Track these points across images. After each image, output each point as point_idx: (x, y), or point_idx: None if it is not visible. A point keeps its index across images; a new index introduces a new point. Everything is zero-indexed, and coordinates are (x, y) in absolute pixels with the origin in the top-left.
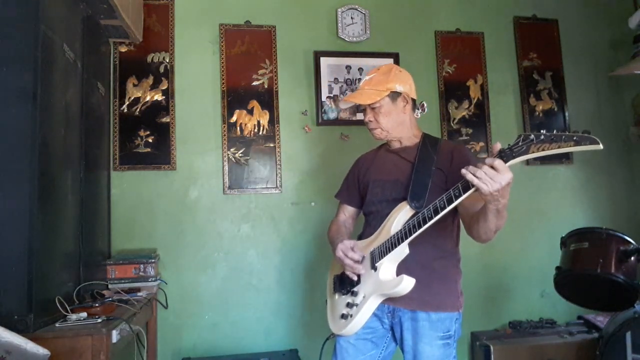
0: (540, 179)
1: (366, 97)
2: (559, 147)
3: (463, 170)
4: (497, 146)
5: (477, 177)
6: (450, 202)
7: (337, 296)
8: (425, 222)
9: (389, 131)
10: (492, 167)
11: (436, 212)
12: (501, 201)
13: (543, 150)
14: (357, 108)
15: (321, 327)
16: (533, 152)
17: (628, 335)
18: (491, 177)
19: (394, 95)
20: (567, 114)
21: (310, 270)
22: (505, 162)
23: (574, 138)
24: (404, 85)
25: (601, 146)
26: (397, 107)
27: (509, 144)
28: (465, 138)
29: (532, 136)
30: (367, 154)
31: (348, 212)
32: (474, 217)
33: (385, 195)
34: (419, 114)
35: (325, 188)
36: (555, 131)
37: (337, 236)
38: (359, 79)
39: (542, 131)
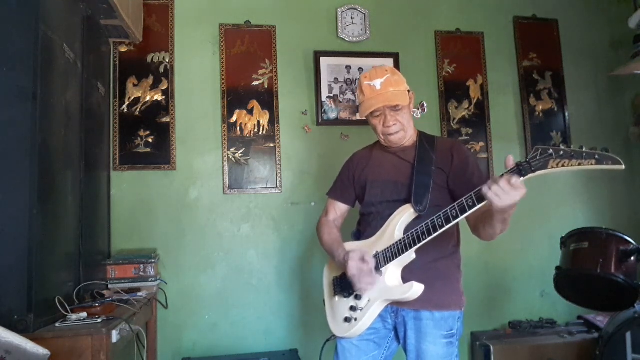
0: (540, 178)
1: (401, 98)
2: (579, 165)
3: (484, 189)
4: (510, 159)
5: (493, 192)
6: (463, 211)
7: (337, 298)
8: (435, 230)
9: (407, 132)
10: (508, 183)
11: (448, 221)
12: (509, 212)
13: (563, 166)
14: (357, 108)
15: (321, 327)
16: (552, 168)
17: (628, 335)
18: (507, 193)
19: (407, 94)
20: (567, 114)
21: (310, 270)
22: (524, 175)
23: (595, 156)
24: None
25: (623, 167)
26: (410, 107)
27: (526, 158)
28: (465, 138)
29: (551, 150)
30: (362, 152)
31: (340, 210)
32: (480, 219)
33: (385, 196)
34: (419, 114)
35: (326, 188)
36: (572, 146)
37: (334, 245)
38: (358, 80)
39: (561, 146)
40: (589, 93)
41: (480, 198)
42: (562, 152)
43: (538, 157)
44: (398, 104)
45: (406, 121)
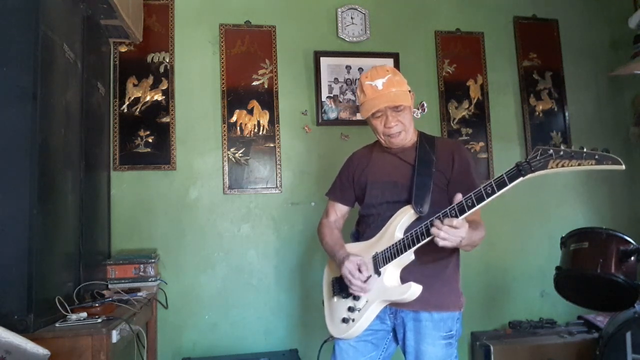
0: (540, 178)
1: (403, 99)
2: (579, 165)
3: (433, 230)
4: (458, 197)
5: (441, 237)
6: (462, 212)
7: (336, 299)
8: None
9: (408, 132)
10: (451, 226)
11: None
12: (463, 243)
13: (562, 166)
14: (357, 108)
15: (321, 327)
16: (552, 168)
17: (628, 335)
18: (452, 235)
19: (409, 94)
20: (567, 114)
21: (310, 270)
22: (524, 175)
23: (595, 156)
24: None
25: (623, 167)
26: (410, 107)
27: (527, 158)
28: (465, 138)
29: (551, 151)
30: (362, 151)
31: (340, 211)
32: None
33: (385, 197)
34: (419, 114)
35: (326, 188)
36: (573, 147)
37: (336, 246)
38: (359, 79)
39: (561, 146)
40: (589, 93)
41: (480, 198)
42: (562, 153)
43: (538, 157)
44: (401, 104)
45: (408, 122)
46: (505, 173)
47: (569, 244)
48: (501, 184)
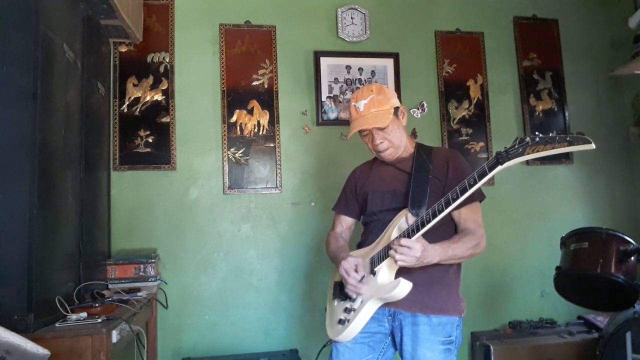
0: (540, 179)
1: (381, 120)
2: (553, 148)
3: (391, 252)
4: (410, 217)
5: (397, 259)
6: (448, 204)
7: (336, 302)
8: (423, 226)
9: (398, 148)
10: (402, 245)
11: (434, 215)
12: (428, 260)
13: (538, 151)
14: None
15: (321, 327)
16: (528, 154)
17: (628, 335)
18: (406, 254)
19: (396, 110)
20: (567, 114)
21: (310, 270)
22: (502, 163)
23: (567, 139)
24: (396, 99)
25: (593, 146)
26: (399, 122)
27: (505, 147)
28: (465, 138)
29: (528, 139)
30: (362, 166)
31: (346, 223)
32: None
33: (384, 205)
34: (419, 114)
35: (325, 188)
36: (550, 133)
37: (338, 251)
38: (359, 79)
39: (537, 133)
40: (589, 93)
41: (464, 190)
42: (537, 139)
43: (516, 146)
44: (378, 127)
45: (396, 138)
46: (486, 163)
47: (569, 244)
48: (482, 174)
